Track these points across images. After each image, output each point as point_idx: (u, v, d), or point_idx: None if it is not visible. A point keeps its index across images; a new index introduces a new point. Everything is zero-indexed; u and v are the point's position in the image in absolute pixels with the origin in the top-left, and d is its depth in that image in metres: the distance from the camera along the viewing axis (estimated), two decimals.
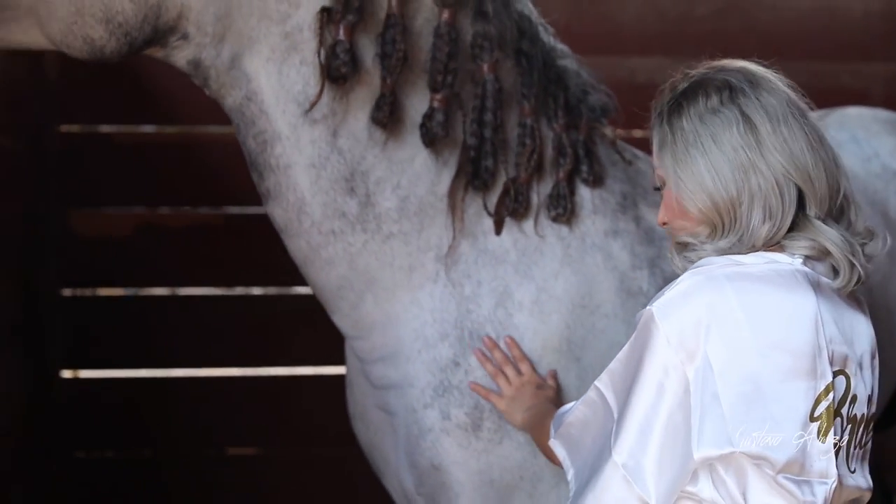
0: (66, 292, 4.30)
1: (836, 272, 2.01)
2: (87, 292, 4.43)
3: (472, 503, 2.60)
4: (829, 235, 1.99)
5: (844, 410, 1.99)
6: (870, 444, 2.08)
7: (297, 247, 2.63)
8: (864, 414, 2.03)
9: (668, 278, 2.26)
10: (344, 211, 2.56)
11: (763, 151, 1.98)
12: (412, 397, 2.62)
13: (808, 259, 2.01)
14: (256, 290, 4.47)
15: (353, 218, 2.57)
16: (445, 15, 2.51)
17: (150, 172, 4.24)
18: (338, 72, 2.46)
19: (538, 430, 2.39)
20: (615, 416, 2.01)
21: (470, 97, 2.58)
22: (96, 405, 4.31)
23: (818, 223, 2.00)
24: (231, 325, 4.31)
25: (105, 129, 4.31)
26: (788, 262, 2.00)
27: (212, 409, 4.32)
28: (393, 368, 2.67)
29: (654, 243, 2.72)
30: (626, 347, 2.02)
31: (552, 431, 2.21)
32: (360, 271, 2.62)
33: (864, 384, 2.03)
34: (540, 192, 2.66)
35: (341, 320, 2.72)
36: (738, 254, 2.01)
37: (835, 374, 1.97)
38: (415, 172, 2.58)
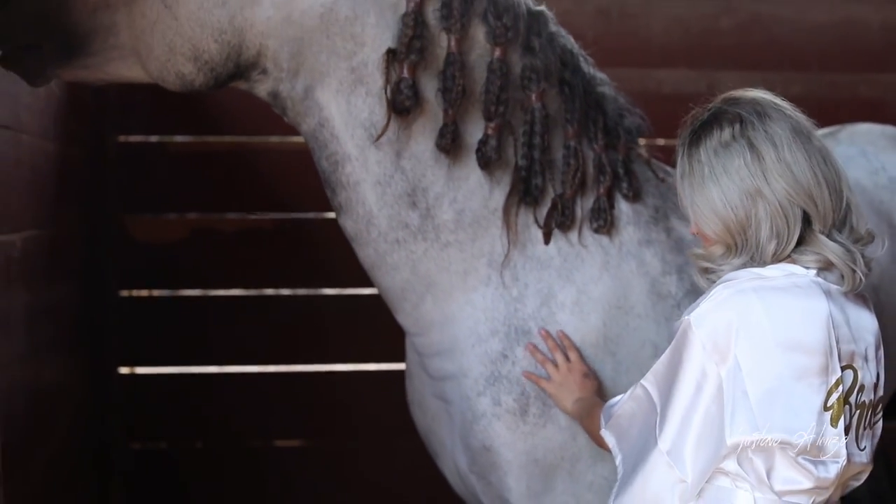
0: (124, 293, 4.41)
1: (842, 278, 2.25)
2: (144, 293, 4.52)
3: (519, 480, 2.81)
4: (833, 249, 2.22)
5: (853, 399, 2.24)
6: (880, 423, 2.34)
7: (366, 254, 2.84)
8: (870, 400, 2.28)
9: (695, 284, 2.48)
10: (407, 222, 2.78)
11: (769, 178, 2.20)
12: (467, 386, 2.83)
13: (819, 270, 2.24)
14: (302, 292, 4.54)
15: (415, 228, 2.78)
16: (498, 52, 2.74)
17: (204, 180, 4.37)
18: (402, 105, 2.69)
19: (588, 420, 2.63)
20: (658, 410, 2.26)
21: (519, 123, 2.79)
22: (151, 400, 4.42)
23: (823, 238, 2.22)
24: (277, 325, 4.43)
25: (160, 139, 4.43)
26: (804, 273, 2.23)
27: (258, 404, 4.44)
28: (449, 361, 2.87)
29: (682, 252, 2.89)
30: (667, 352, 2.26)
31: (602, 422, 2.44)
32: (421, 275, 2.83)
33: (870, 374, 2.27)
34: (583, 207, 2.86)
35: (404, 319, 2.93)
36: (756, 267, 2.25)
37: (843, 369, 2.21)
38: (469, 189, 2.79)
